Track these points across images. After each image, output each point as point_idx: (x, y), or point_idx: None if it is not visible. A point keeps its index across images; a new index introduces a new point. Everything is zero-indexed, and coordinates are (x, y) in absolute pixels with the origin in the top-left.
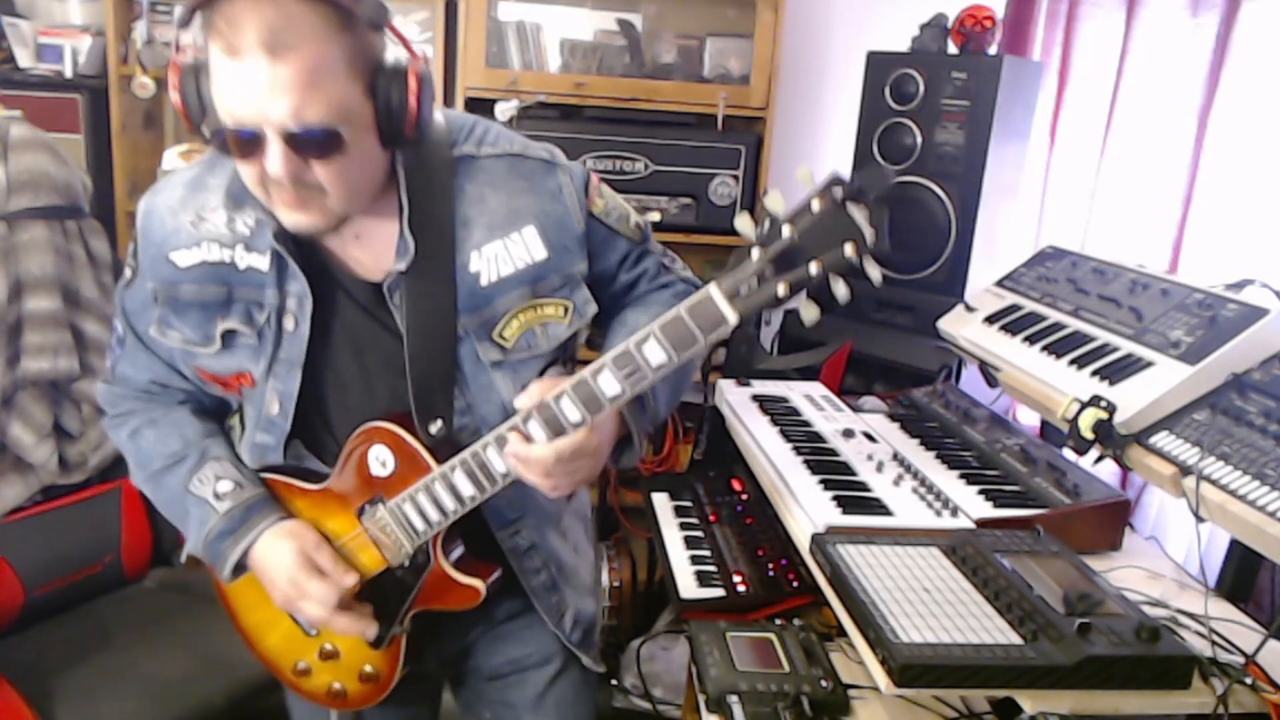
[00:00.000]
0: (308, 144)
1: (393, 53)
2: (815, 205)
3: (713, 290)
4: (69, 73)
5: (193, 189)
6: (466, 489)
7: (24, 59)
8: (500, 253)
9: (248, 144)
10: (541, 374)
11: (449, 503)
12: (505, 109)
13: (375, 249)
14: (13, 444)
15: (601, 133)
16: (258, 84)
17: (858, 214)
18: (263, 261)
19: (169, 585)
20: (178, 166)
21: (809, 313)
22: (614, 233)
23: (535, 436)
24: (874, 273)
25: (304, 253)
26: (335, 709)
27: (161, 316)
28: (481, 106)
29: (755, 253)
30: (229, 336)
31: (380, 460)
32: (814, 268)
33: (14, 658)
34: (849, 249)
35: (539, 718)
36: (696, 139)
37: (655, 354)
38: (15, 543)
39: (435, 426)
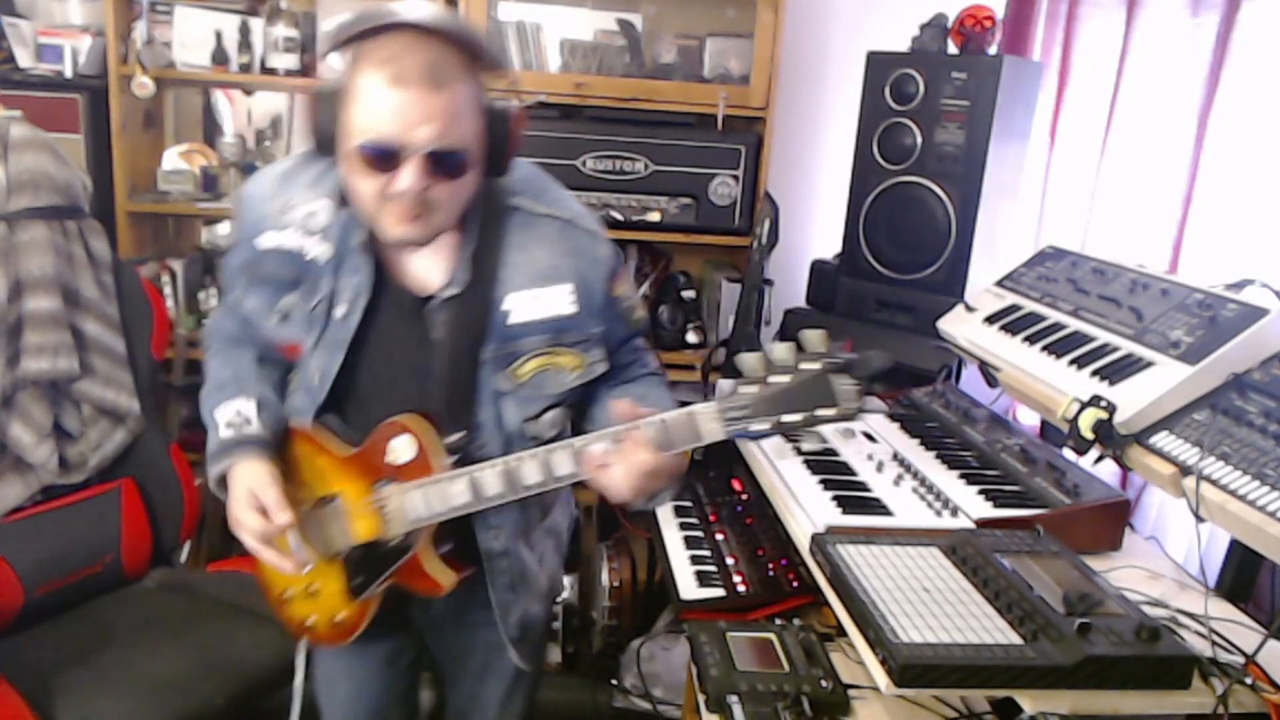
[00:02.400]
0: (442, 164)
1: (505, 99)
2: (810, 366)
3: (699, 412)
4: (69, 73)
5: (283, 182)
6: (461, 498)
7: (24, 59)
8: (532, 301)
9: (383, 161)
10: (539, 416)
11: (438, 506)
12: None
13: (425, 270)
14: (13, 444)
15: (601, 133)
16: (414, 110)
17: (840, 386)
18: (326, 253)
19: (169, 585)
20: (178, 166)
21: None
22: (623, 318)
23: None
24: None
25: (370, 259)
26: (301, 639)
27: (243, 285)
28: None
29: (749, 390)
30: (288, 310)
31: (400, 449)
32: (796, 417)
33: (14, 658)
34: (822, 412)
35: (477, 707)
36: (696, 139)
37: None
38: (15, 543)
39: (457, 436)
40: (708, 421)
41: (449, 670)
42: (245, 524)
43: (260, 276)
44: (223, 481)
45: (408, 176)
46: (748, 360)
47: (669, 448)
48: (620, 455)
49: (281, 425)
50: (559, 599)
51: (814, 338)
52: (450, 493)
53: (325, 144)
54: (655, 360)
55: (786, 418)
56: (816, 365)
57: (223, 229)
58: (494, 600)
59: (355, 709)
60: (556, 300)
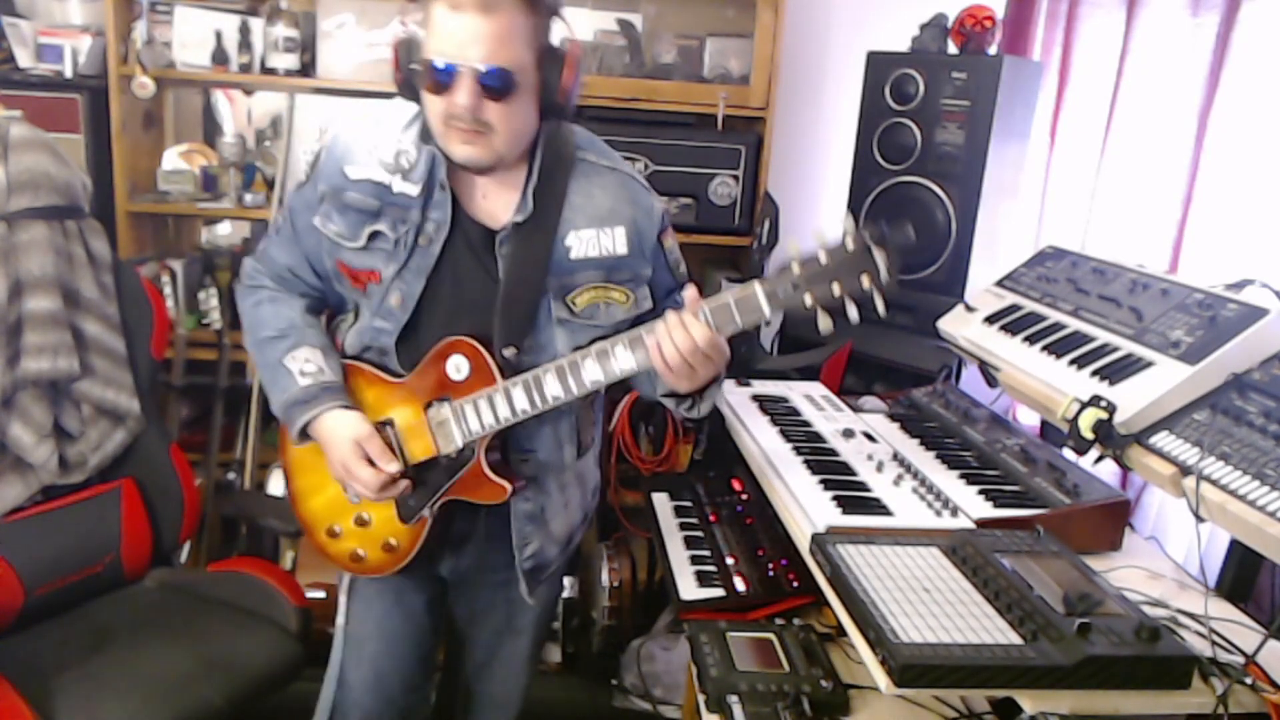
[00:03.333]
0: (489, 83)
1: (561, 39)
2: (849, 243)
3: (758, 286)
4: (69, 73)
5: (374, 125)
6: (521, 402)
7: (24, 59)
8: (592, 239)
9: (444, 80)
10: (590, 345)
11: (503, 411)
12: None
13: (495, 207)
14: (13, 444)
15: (601, 133)
16: (467, 31)
17: (879, 256)
18: (414, 190)
19: (169, 585)
20: (178, 166)
21: (825, 323)
22: (670, 268)
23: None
24: (880, 305)
25: (447, 195)
26: (350, 573)
27: (325, 211)
28: None
29: (795, 267)
30: (374, 237)
31: (457, 367)
32: (836, 289)
33: (14, 658)
34: (865, 280)
35: (502, 648)
36: (696, 139)
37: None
38: (15, 543)
39: (510, 352)
40: (764, 298)
41: (468, 630)
42: (358, 476)
43: (345, 204)
44: (304, 433)
45: (463, 93)
46: (791, 246)
47: (732, 326)
48: (678, 328)
49: (341, 372)
50: (572, 543)
51: (847, 223)
52: (513, 397)
53: (407, 86)
54: None
55: (836, 289)
56: (852, 240)
57: (223, 229)
58: (513, 529)
59: (382, 665)
60: (612, 240)
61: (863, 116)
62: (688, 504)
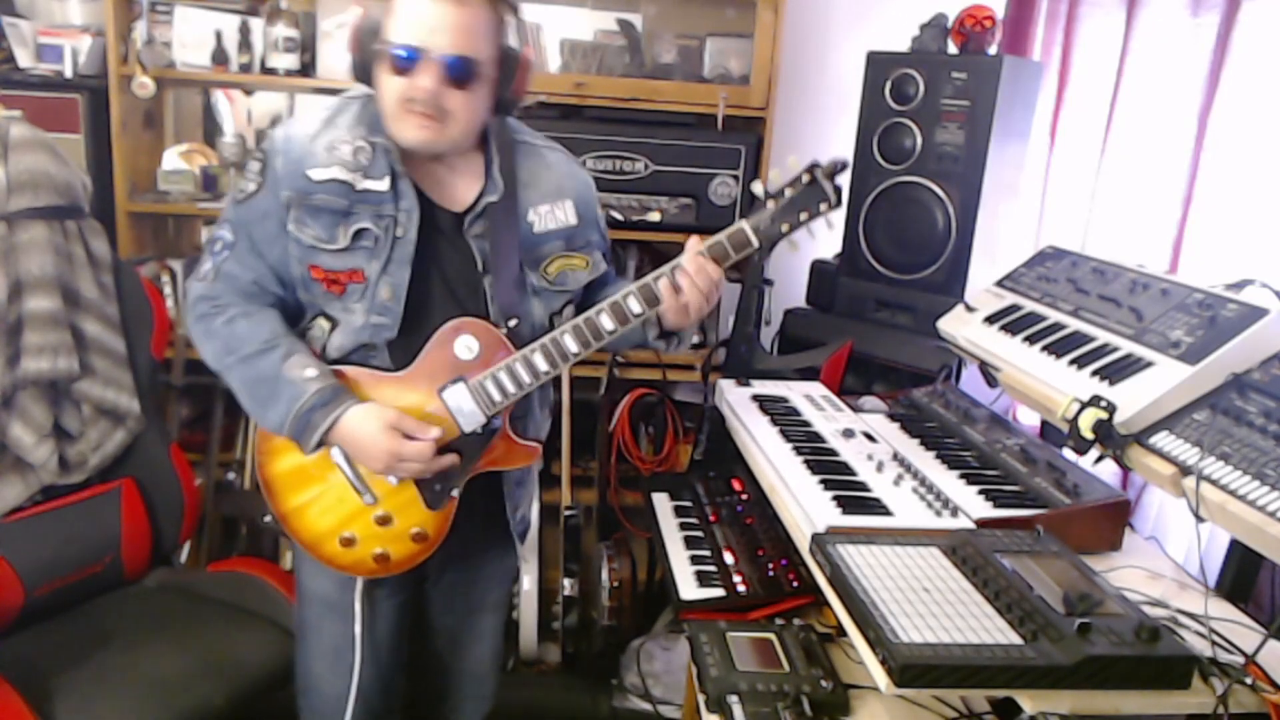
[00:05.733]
0: (454, 70)
1: (518, 43)
2: (804, 178)
3: (744, 224)
4: (69, 73)
5: (326, 125)
6: (542, 365)
7: (24, 59)
8: (549, 213)
9: (407, 64)
10: (561, 310)
11: (526, 377)
12: None
13: (453, 191)
14: (13, 444)
15: (601, 133)
16: (437, 18)
17: (828, 185)
18: (382, 184)
19: (169, 585)
20: (178, 166)
21: (793, 249)
22: (604, 232)
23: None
24: (833, 220)
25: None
26: (371, 575)
27: (297, 218)
28: None
29: (770, 204)
30: (359, 235)
31: (467, 346)
32: (803, 216)
33: (14, 658)
34: (823, 207)
35: (483, 615)
36: (696, 139)
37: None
38: (15, 543)
39: (513, 323)
40: (751, 232)
41: (448, 601)
42: (409, 453)
43: (316, 207)
44: (322, 440)
45: (426, 78)
46: (757, 187)
47: (728, 258)
48: (701, 270)
49: (331, 372)
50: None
51: (793, 161)
52: (534, 361)
53: (362, 69)
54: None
55: (803, 216)
56: (807, 176)
57: None
58: (505, 495)
59: (386, 671)
60: (565, 212)
61: (863, 116)
62: (688, 504)
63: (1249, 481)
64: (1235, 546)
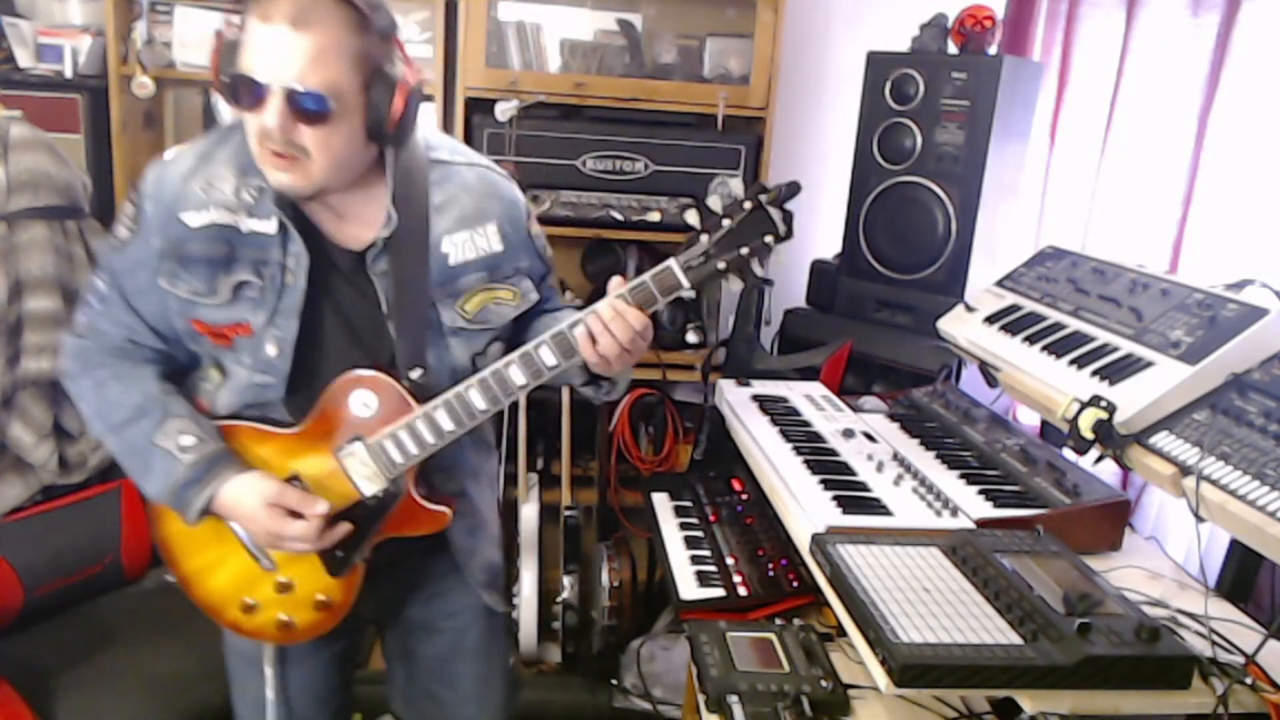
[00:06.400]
0: (301, 105)
1: (397, 67)
2: (746, 205)
3: (673, 263)
4: (69, 73)
5: (203, 160)
6: (447, 424)
7: (24, 59)
8: (466, 241)
9: (256, 97)
10: (485, 350)
11: (429, 437)
12: (505, 109)
13: (357, 226)
14: (13, 444)
15: (601, 133)
16: (278, 46)
17: (775, 214)
18: (269, 226)
19: (169, 585)
20: None
21: (734, 285)
22: (540, 254)
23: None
24: (779, 257)
25: (300, 222)
26: (277, 643)
27: (170, 270)
28: (481, 106)
29: (704, 238)
30: (240, 288)
31: (364, 403)
32: (744, 250)
33: (14, 658)
34: (769, 239)
35: (462, 664)
36: (696, 139)
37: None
38: (15, 543)
39: (416, 374)
40: (680, 271)
41: (411, 640)
42: (290, 534)
43: (192, 258)
44: (204, 510)
45: (270, 114)
46: (691, 217)
47: (653, 302)
48: (616, 319)
49: (220, 436)
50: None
51: (735, 185)
52: (438, 420)
53: (229, 94)
54: (557, 294)
55: (743, 251)
56: (750, 203)
57: None
58: (456, 547)
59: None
60: (486, 239)
61: (863, 116)
62: (688, 504)
63: (1249, 481)
64: (1235, 546)
